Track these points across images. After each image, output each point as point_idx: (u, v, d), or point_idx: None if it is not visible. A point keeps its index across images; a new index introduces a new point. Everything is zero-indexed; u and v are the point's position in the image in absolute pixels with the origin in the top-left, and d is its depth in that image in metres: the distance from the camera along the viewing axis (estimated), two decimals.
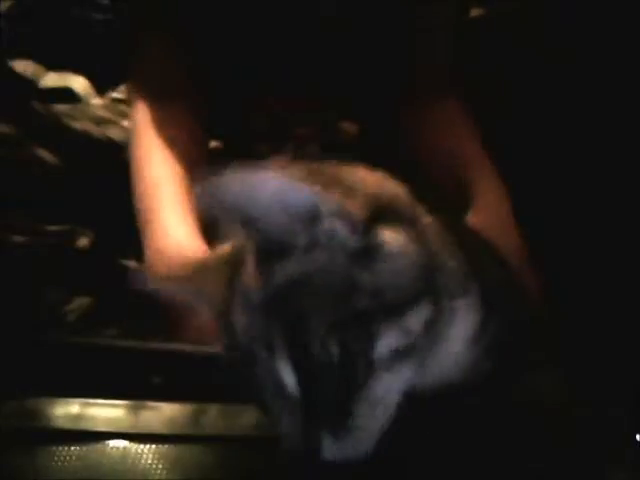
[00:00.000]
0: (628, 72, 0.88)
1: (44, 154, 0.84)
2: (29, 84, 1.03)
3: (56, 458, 0.49)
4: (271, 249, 0.43)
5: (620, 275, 0.77)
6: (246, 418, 0.53)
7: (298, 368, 0.43)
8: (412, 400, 0.48)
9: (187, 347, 0.61)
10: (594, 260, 0.79)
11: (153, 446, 0.51)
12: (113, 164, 0.84)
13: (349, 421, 0.44)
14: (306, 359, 0.43)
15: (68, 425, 0.52)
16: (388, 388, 0.45)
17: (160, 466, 0.50)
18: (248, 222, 0.43)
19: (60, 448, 0.50)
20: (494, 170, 0.82)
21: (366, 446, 0.45)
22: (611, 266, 0.78)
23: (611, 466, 0.49)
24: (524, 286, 0.62)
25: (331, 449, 0.43)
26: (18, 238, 0.73)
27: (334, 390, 0.43)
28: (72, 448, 0.50)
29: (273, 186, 0.41)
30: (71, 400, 0.53)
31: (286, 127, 0.88)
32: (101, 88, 1.11)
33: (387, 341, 0.43)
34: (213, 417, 0.53)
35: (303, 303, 0.43)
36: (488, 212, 0.77)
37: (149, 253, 0.77)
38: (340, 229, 0.43)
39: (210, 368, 0.56)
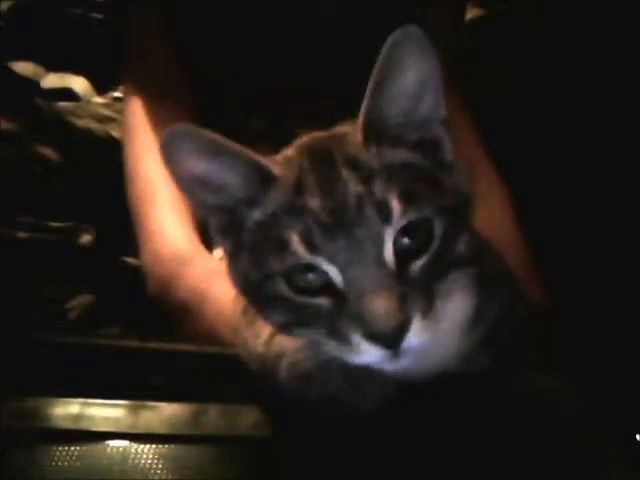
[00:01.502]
0: (629, 71, 0.88)
1: (47, 151, 0.84)
2: (31, 82, 1.03)
3: (56, 458, 0.49)
4: None
5: (622, 276, 0.77)
6: (246, 418, 0.53)
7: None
8: (408, 390, 0.48)
9: (187, 347, 0.61)
10: (597, 261, 0.79)
11: (153, 446, 0.51)
12: (115, 161, 0.84)
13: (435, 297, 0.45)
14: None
15: (68, 425, 0.52)
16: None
17: (160, 466, 0.50)
18: None
19: (60, 448, 0.50)
20: (495, 170, 0.82)
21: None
22: (614, 267, 0.78)
23: (611, 466, 0.49)
24: (523, 287, 0.62)
25: (419, 332, 0.43)
26: (21, 234, 0.73)
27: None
28: (72, 448, 0.50)
29: None
30: (71, 400, 0.53)
31: (286, 127, 0.88)
32: (102, 88, 1.11)
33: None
34: (213, 417, 0.53)
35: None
36: (490, 213, 0.77)
37: (146, 255, 0.77)
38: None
39: (210, 368, 0.56)
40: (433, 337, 0.44)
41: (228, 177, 0.47)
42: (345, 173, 0.45)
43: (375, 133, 0.47)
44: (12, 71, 1.01)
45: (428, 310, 0.44)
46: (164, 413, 0.53)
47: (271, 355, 0.52)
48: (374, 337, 0.43)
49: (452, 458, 0.49)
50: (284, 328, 0.48)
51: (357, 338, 0.43)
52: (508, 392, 0.52)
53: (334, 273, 0.44)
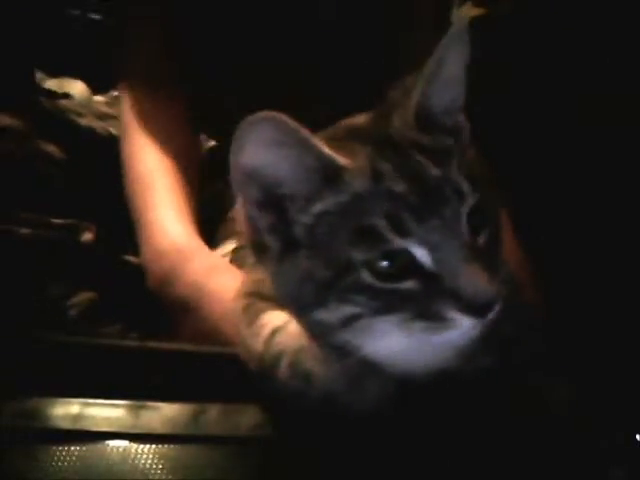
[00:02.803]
0: (630, 71, 0.88)
1: (50, 148, 0.84)
2: (35, 81, 1.03)
3: (56, 458, 0.49)
4: None
5: (621, 276, 0.77)
6: (246, 418, 0.53)
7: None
8: (407, 389, 0.48)
9: (187, 347, 0.61)
10: (596, 261, 0.79)
11: (153, 446, 0.51)
12: (117, 159, 0.84)
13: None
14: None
15: (68, 425, 0.52)
16: None
17: (160, 466, 0.50)
18: None
19: (60, 448, 0.50)
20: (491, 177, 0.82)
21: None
22: (613, 267, 0.78)
23: (611, 466, 0.49)
24: (523, 289, 0.62)
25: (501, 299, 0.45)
26: (22, 231, 0.73)
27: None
28: (72, 448, 0.50)
29: None
30: (71, 400, 0.53)
31: None
32: (101, 89, 1.11)
33: None
34: (213, 417, 0.53)
35: None
36: None
37: (147, 252, 0.77)
38: None
39: (210, 368, 0.56)
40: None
41: (292, 168, 0.47)
42: (419, 157, 0.46)
43: (424, 120, 0.49)
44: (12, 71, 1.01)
45: (501, 279, 0.46)
46: (164, 413, 0.53)
47: (271, 354, 0.52)
48: (472, 309, 0.45)
49: (452, 458, 0.49)
50: (350, 322, 0.47)
51: (453, 313, 0.45)
52: (508, 392, 0.52)
53: (422, 255, 0.45)
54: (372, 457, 0.48)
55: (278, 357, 0.52)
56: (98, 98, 1.08)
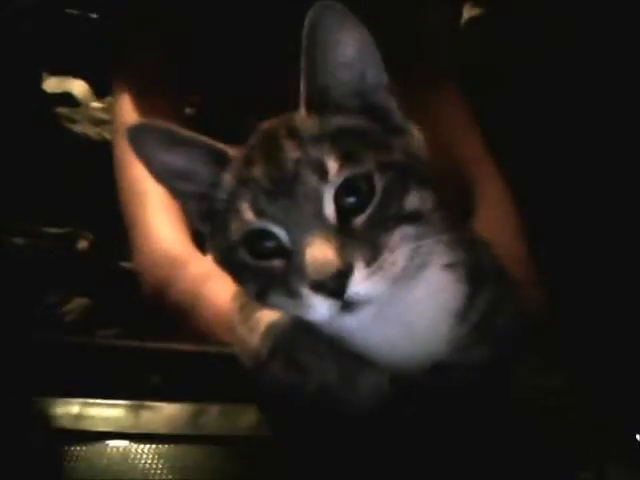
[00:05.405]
0: (629, 71, 0.88)
1: (44, 156, 0.84)
2: (30, 85, 1.03)
3: (56, 458, 0.49)
4: None
5: (623, 277, 0.77)
6: (246, 418, 0.53)
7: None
8: (404, 386, 0.48)
9: (187, 347, 0.61)
10: (598, 260, 0.79)
11: (153, 446, 0.51)
12: (111, 165, 0.84)
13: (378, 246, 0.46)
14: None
15: (68, 425, 0.52)
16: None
17: (160, 466, 0.50)
18: None
19: (60, 448, 0.50)
20: (497, 170, 0.82)
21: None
22: (615, 266, 0.78)
23: (611, 466, 0.49)
24: (520, 286, 0.62)
25: (363, 280, 0.45)
26: (18, 240, 0.73)
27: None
28: (72, 448, 0.50)
29: None
30: (71, 400, 0.53)
31: None
32: (100, 90, 1.11)
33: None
34: (213, 417, 0.53)
35: None
36: (491, 213, 0.77)
37: (139, 257, 0.77)
38: None
39: (210, 368, 0.56)
40: (382, 287, 0.46)
41: (192, 164, 0.51)
42: (285, 142, 0.48)
43: (317, 104, 0.49)
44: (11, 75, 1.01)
45: (372, 259, 0.46)
46: (164, 413, 0.53)
47: (266, 348, 0.52)
48: (317, 286, 0.45)
49: (447, 454, 0.49)
50: (260, 296, 0.50)
51: (304, 290, 0.46)
52: (507, 392, 0.52)
53: (281, 234, 0.47)
54: (370, 454, 0.48)
55: (273, 351, 0.52)
56: (95, 104, 1.08)
